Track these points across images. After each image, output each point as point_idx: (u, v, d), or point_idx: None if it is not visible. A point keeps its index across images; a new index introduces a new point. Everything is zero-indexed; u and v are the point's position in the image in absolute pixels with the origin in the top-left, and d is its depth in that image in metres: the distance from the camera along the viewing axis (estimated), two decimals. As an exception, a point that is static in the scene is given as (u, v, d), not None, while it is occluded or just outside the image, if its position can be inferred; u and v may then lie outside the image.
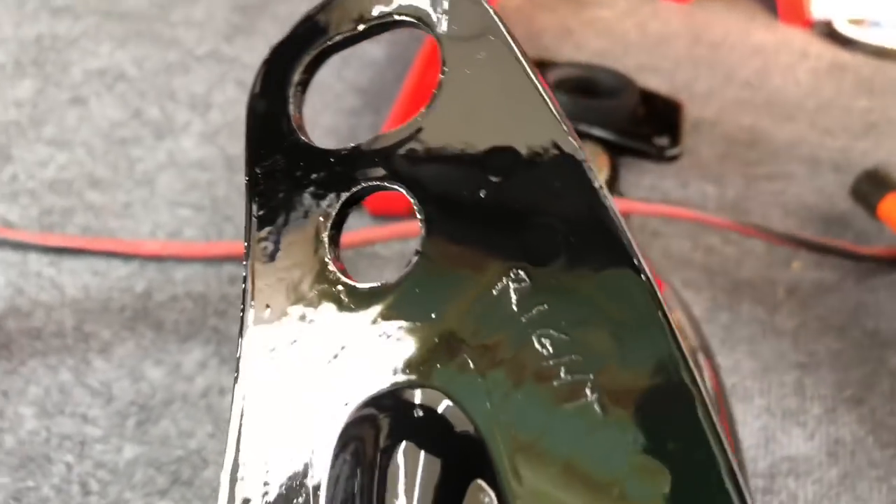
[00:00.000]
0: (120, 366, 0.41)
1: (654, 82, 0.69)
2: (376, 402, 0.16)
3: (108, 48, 0.68)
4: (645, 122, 0.56)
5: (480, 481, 0.14)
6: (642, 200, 0.50)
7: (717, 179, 0.58)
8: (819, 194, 0.58)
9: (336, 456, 0.16)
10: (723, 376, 0.43)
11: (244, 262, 0.18)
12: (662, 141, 0.54)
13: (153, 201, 0.52)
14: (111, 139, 0.57)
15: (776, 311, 0.48)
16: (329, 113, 0.62)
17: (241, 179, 0.56)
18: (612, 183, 0.48)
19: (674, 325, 0.14)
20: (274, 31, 0.72)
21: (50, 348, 0.42)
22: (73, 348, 0.42)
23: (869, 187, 0.53)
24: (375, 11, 0.18)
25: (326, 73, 0.68)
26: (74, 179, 0.53)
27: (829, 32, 0.81)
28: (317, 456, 0.16)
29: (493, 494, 0.14)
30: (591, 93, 0.57)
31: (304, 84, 0.19)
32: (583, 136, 0.53)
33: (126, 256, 0.47)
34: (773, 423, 0.41)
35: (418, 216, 0.16)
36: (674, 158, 0.54)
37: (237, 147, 0.57)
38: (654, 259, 0.51)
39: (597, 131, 0.54)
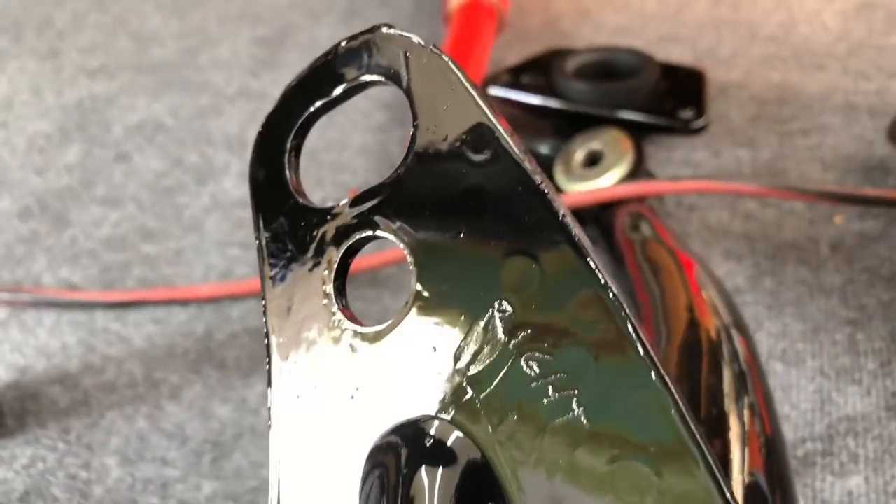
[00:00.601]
0: (190, 407, 0.44)
1: (676, 52, 0.69)
2: (392, 434, 0.17)
3: (144, 101, 0.71)
4: (668, 97, 0.56)
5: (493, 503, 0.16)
6: (669, 179, 0.50)
7: (750, 143, 0.58)
8: (857, 142, 0.57)
9: (363, 482, 0.17)
10: (773, 341, 0.44)
11: (264, 320, 0.20)
12: (687, 114, 0.54)
13: (203, 245, 0.54)
14: (157, 190, 0.60)
15: (821, 269, 0.47)
16: (358, 132, 0.63)
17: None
18: (638, 165, 0.48)
19: (641, 332, 0.15)
20: (296, 60, 0.74)
21: (125, 399, 0.44)
22: (145, 396, 0.45)
23: (906, 129, 0.52)
24: (349, 75, 0.19)
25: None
26: (128, 234, 0.56)
27: (853, -29, 0.79)
28: (346, 484, 0.17)
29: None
30: (611, 76, 0.57)
31: (296, 149, 0.20)
32: (606, 120, 0.54)
33: (184, 302, 0.50)
34: (827, 384, 0.41)
35: (409, 260, 0.18)
36: (701, 130, 0.54)
37: (275, 180, 0.59)
38: (692, 233, 0.51)
39: (620, 114, 0.54)
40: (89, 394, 0.45)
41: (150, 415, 0.43)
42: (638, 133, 0.53)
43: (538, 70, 0.60)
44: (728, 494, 0.14)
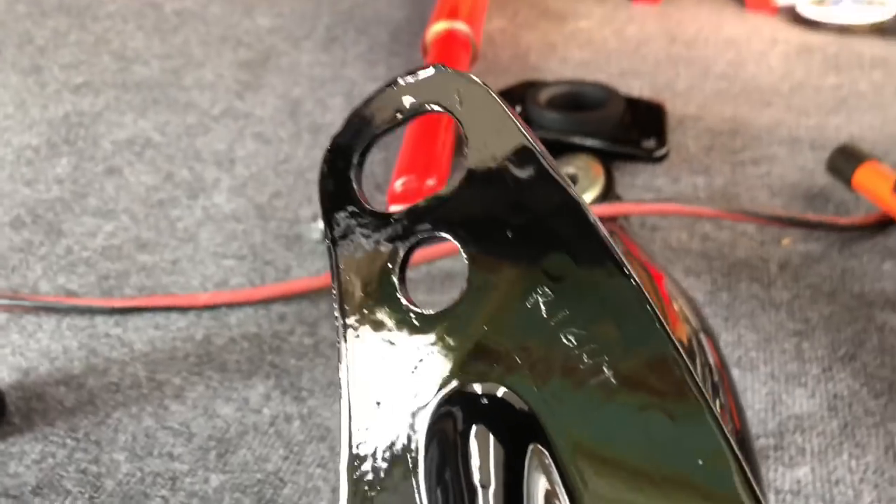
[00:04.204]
0: (194, 406, 0.46)
1: (636, 85, 0.75)
2: (451, 398, 0.21)
3: (131, 118, 0.73)
4: (632, 128, 0.61)
5: (538, 445, 0.19)
6: (637, 201, 0.55)
7: (706, 170, 0.63)
8: (801, 172, 0.63)
9: (427, 441, 0.21)
10: (729, 350, 0.48)
11: (334, 305, 0.23)
12: (650, 143, 0.60)
13: (198, 256, 0.57)
14: (149, 203, 0.62)
15: (771, 285, 0.53)
16: (342, 154, 0.67)
17: (273, 226, 0.61)
18: (608, 188, 0.53)
19: (658, 312, 0.19)
20: (279, 83, 0.77)
21: (129, 399, 0.47)
22: (149, 396, 0.47)
23: (842, 162, 0.58)
24: (408, 104, 0.23)
25: (334, 116, 0.74)
26: (123, 244, 0.58)
27: (794, 16, 0.86)
28: (412, 445, 0.21)
29: (547, 453, 0.19)
30: (580, 107, 0.62)
31: (360, 164, 0.24)
32: (577, 147, 0.59)
33: (182, 309, 0.52)
34: (777, 388, 0.46)
35: (463, 255, 0.21)
36: (662, 158, 0.59)
37: (264, 196, 0.62)
38: (656, 251, 0.56)
39: (589, 142, 0.59)
40: (94, 394, 0.47)
41: (155, 413, 0.46)
42: (605, 160, 0.58)
43: (513, 99, 0.65)
44: (728, 436, 0.18)
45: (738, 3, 0.89)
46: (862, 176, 0.56)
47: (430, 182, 0.73)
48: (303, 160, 0.66)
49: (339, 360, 0.22)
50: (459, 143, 0.65)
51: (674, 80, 0.75)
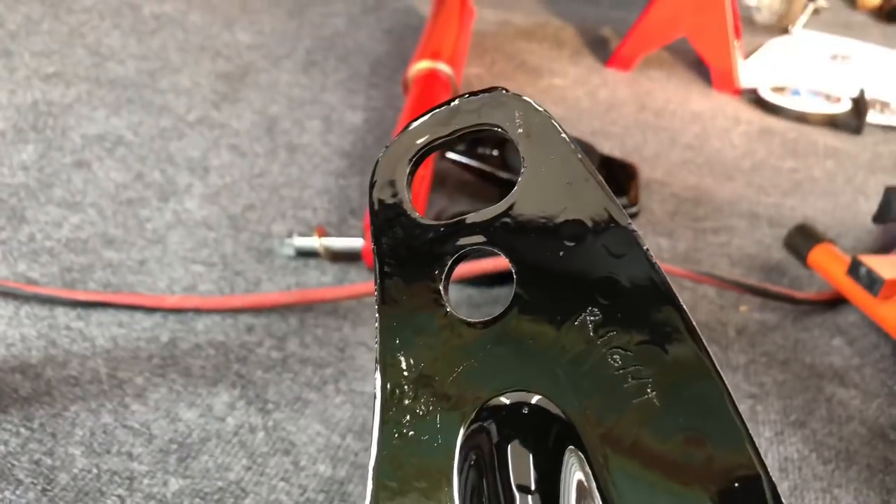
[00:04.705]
0: (156, 408, 0.45)
1: (607, 146, 0.77)
2: (490, 407, 0.21)
3: (103, 114, 0.72)
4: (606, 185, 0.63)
5: (573, 447, 0.20)
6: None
7: (670, 233, 0.66)
8: (758, 245, 0.66)
9: (463, 447, 0.21)
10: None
11: (376, 306, 0.23)
12: (622, 201, 0.61)
13: (166, 258, 0.56)
14: (118, 200, 0.61)
15: (728, 348, 0.55)
16: (319, 174, 0.67)
17: (245, 237, 0.61)
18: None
19: (702, 340, 0.20)
20: (256, 98, 0.77)
21: (89, 394, 0.46)
22: (109, 393, 0.46)
23: (799, 240, 0.61)
24: (468, 122, 0.24)
25: (311, 138, 0.74)
26: (89, 238, 0.57)
27: (756, 99, 0.91)
28: (448, 450, 0.21)
29: (582, 456, 0.20)
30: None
31: (412, 174, 0.24)
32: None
33: (149, 309, 0.51)
34: (733, 445, 0.47)
35: (513, 270, 0.22)
36: (633, 217, 0.61)
37: (237, 207, 0.62)
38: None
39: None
40: (52, 385, 0.46)
41: (115, 411, 0.45)
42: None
43: (491, 144, 0.66)
44: (765, 463, 0.19)
45: (705, 81, 0.93)
46: (817, 255, 0.59)
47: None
48: (278, 176, 0.66)
49: (375, 364, 0.23)
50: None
51: (642, 145, 0.78)
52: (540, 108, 0.23)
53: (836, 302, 0.59)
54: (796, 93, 0.90)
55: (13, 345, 0.48)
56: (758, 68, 0.97)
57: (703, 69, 0.94)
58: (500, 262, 0.52)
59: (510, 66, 0.91)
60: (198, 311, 0.52)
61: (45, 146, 0.67)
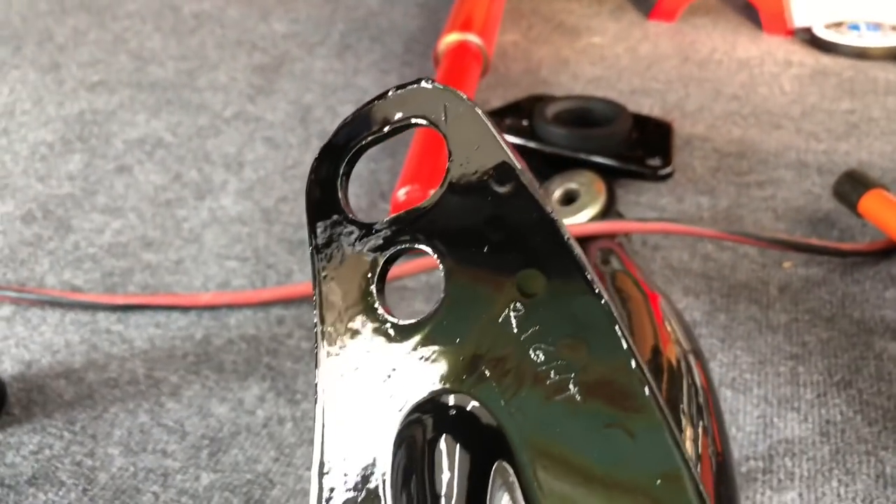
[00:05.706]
0: (189, 405, 0.47)
1: (646, 104, 0.75)
2: (422, 406, 0.21)
3: (143, 117, 0.74)
4: (638, 146, 0.62)
5: (503, 462, 0.20)
6: (639, 219, 0.55)
7: (711, 191, 0.63)
8: (806, 196, 0.63)
9: (396, 448, 0.21)
10: (723, 371, 0.48)
11: (314, 311, 0.23)
12: (655, 162, 0.60)
13: (202, 256, 0.58)
14: (157, 202, 0.63)
15: (770, 308, 0.52)
16: (350, 160, 0.67)
17: (278, 230, 0.62)
18: (610, 205, 0.53)
19: (626, 332, 0.19)
20: (292, 88, 0.78)
21: (127, 395, 0.48)
22: (146, 393, 0.48)
23: (849, 187, 0.58)
24: (396, 116, 0.23)
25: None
26: (129, 242, 0.59)
27: (810, 39, 0.86)
28: (381, 450, 0.21)
29: (511, 470, 0.19)
30: (587, 123, 0.63)
31: (347, 174, 0.24)
32: (581, 163, 0.59)
33: (184, 308, 0.53)
34: (770, 411, 0.46)
35: (440, 267, 0.22)
36: (667, 177, 0.59)
37: (271, 200, 0.63)
38: (656, 270, 0.56)
39: (594, 158, 0.59)
40: (93, 388, 0.48)
41: (151, 410, 0.47)
42: (609, 177, 0.58)
43: (520, 113, 0.65)
44: (687, 457, 0.18)
45: (755, 24, 0.89)
46: (868, 202, 0.56)
47: (434, 192, 0.73)
48: (310, 166, 0.67)
49: (315, 366, 0.23)
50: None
51: (684, 100, 0.75)
52: (464, 98, 0.23)
53: (890, 251, 0.56)
54: (854, 27, 0.85)
55: (58, 351, 0.51)
56: (812, 4, 0.92)
57: (753, 12, 0.89)
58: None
59: (547, 29, 0.89)
60: (230, 306, 0.53)
61: (90, 155, 0.69)
